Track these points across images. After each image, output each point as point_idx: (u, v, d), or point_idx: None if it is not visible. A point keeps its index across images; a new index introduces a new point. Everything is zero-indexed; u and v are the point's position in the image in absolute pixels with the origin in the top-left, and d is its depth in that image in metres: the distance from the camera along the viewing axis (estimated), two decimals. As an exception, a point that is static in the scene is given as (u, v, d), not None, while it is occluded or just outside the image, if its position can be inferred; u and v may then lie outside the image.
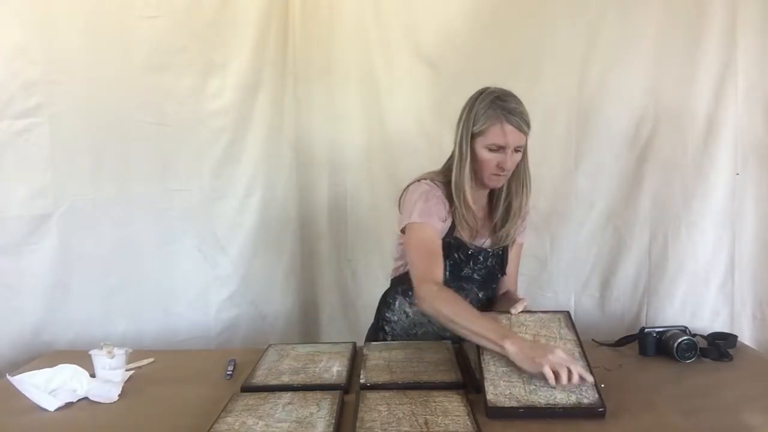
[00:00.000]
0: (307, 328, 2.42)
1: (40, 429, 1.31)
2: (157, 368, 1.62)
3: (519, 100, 1.54)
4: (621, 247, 2.21)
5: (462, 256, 1.64)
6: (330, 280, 2.41)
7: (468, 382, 1.42)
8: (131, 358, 1.62)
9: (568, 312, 1.57)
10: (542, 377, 1.28)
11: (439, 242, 1.57)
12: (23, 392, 1.38)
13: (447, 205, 1.59)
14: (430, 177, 1.63)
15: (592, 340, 1.78)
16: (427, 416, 1.22)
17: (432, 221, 1.56)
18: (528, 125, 1.53)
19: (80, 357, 1.56)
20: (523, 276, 2.27)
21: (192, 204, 2.18)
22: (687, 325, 1.67)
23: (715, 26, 2.04)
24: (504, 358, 1.35)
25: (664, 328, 1.66)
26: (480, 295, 1.71)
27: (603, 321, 2.24)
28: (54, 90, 1.99)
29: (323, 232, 2.39)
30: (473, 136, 1.55)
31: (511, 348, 1.32)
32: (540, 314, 1.55)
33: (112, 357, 1.50)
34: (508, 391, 1.30)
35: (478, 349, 1.41)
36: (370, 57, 2.26)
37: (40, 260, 2.02)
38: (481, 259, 1.67)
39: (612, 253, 2.23)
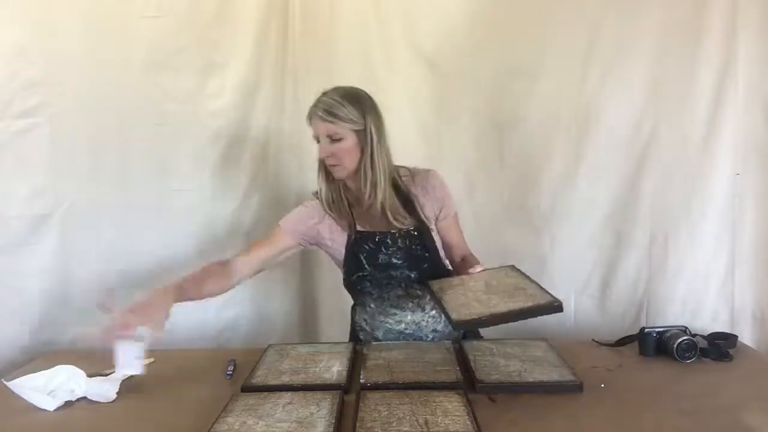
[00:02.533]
0: (307, 328, 2.42)
1: (40, 429, 1.31)
2: (157, 368, 1.61)
3: (331, 93, 1.62)
4: (621, 247, 2.21)
5: (371, 245, 1.69)
6: (330, 280, 2.40)
7: (468, 382, 1.42)
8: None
9: (513, 265, 1.64)
10: (498, 297, 1.41)
11: (276, 241, 1.72)
12: (21, 395, 1.37)
13: (319, 209, 1.72)
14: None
15: (592, 339, 1.78)
16: (427, 416, 1.22)
17: (285, 224, 1.74)
18: (330, 113, 1.59)
19: (80, 357, 1.56)
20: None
21: (192, 204, 2.18)
22: (687, 325, 1.67)
23: (715, 26, 2.04)
24: (462, 297, 1.46)
25: (664, 328, 1.66)
26: (412, 276, 1.71)
27: (603, 321, 2.24)
28: (54, 90, 1.99)
29: (323, 232, 2.38)
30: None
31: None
32: (488, 270, 1.62)
33: (141, 340, 1.44)
34: (469, 311, 1.37)
35: (439, 301, 1.47)
36: (370, 57, 2.26)
37: (40, 260, 2.02)
38: (390, 242, 1.68)
39: (612, 253, 2.22)
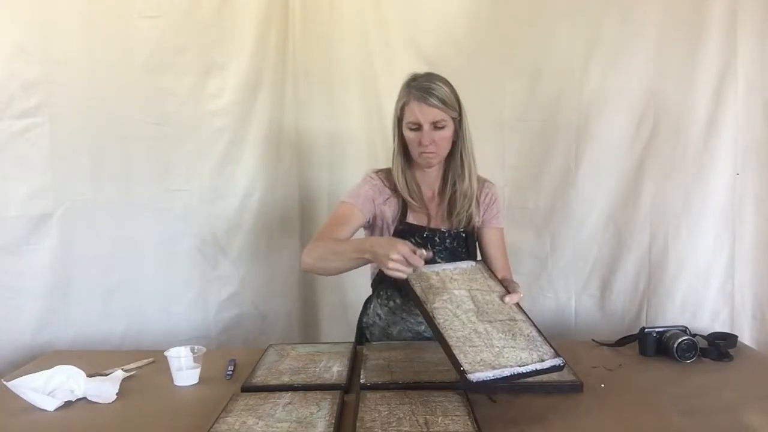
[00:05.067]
0: (307, 328, 2.42)
1: (40, 429, 1.31)
2: (157, 368, 1.62)
3: (433, 78, 1.59)
4: (621, 247, 2.21)
5: (418, 240, 1.65)
6: (330, 280, 2.40)
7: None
8: (132, 357, 1.63)
9: (482, 261, 1.62)
10: (499, 334, 1.32)
11: (353, 219, 1.63)
12: (21, 395, 1.37)
13: (387, 191, 1.67)
14: (382, 169, 1.73)
15: (592, 339, 1.78)
16: (427, 416, 1.22)
17: (356, 201, 1.64)
18: (442, 101, 1.56)
19: (80, 357, 1.56)
20: (523, 276, 2.28)
21: (192, 204, 2.19)
22: (687, 325, 1.67)
23: (715, 26, 2.04)
24: (456, 321, 1.34)
25: (664, 328, 1.66)
26: None
27: (603, 321, 2.24)
28: (54, 90, 1.99)
29: (323, 232, 2.38)
30: (399, 122, 1.63)
31: (371, 257, 1.41)
32: (460, 266, 1.53)
33: (194, 352, 1.52)
34: (478, 358, 1.26)
35: (432, 321, 1.34)
36: (370, 57, 2.26)
37: (40, 260, 2.02)
38: (438, 240, 1.68)
39: (612, 253, 2.22)
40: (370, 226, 1.72)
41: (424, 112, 1.56)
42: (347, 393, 1.40)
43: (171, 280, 2.20)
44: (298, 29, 2.28)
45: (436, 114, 1.57)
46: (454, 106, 1.60)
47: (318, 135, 2.35)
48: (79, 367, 1.47)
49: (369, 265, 1.77)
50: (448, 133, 1.61)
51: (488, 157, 2.23)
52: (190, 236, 2.20)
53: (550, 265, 2.26)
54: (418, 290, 1.40)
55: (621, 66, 2.12)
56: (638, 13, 2.09)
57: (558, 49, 2.15)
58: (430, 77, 1.60)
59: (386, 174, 1.71)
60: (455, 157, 1.66)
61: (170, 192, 2.16)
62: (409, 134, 1.61)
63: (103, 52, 2.03)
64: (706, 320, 2.10)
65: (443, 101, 1.57)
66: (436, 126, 1.58)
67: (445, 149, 1.63)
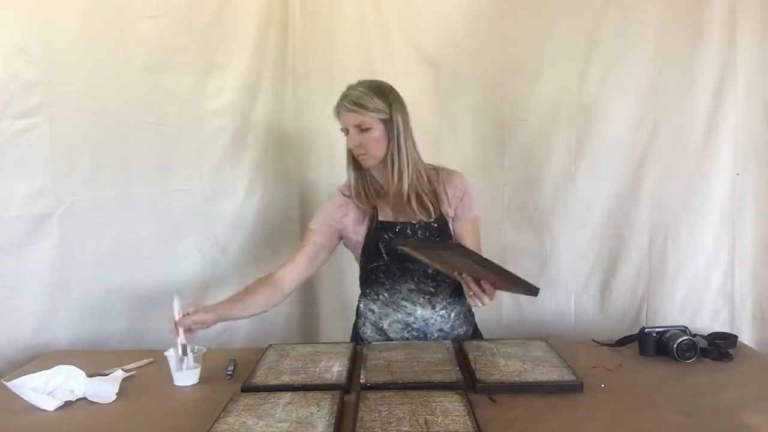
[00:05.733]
0: (307, 328, 2.42)
1: (40, 429, 1.31)
2: (157, 368, 1.62)
3: (360, 84, 1.69)
4: (621, 247, 2.21)
5: (391, 234, 1.72)
6: (330, 280, 2.40)
7: (468, 382, 1.42)
8: (132, 357, 1.63)
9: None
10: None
11: (307, 246, 1.78)
12: (21, 395, 1.38)
13: (344, 202, 1.77)
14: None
15: (592, 339, 1.78)
16: (427, 416, 1.22)
17: (315, 227, 1.79)
18: (358, 104, 1.65)
19: (80, 357, 1.56)
20: (523, 276, 2.28)
21: (192, 204, 2.18)
22: (687, 325, 1.67)
23: (715, 26, 2.04)
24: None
25: (664, 328, 1.66)
26: (429, 270, 1.72)
27: (603, 321, 2.24)
28: (54, 90, 1.99)
29: (323, 232, 2.38)
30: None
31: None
32: None
33: (194, 352, 1.53)
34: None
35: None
36: (370, 57, 2.26)
37: (40, 260, 2.02)
38: (410, 232, 1.72)
39: (612, 253, 2.22)
40: (342, 240, 1.82)
41: (343, 117, 1.69)
42: (347, 393, 1.40)
43: (171, 280, 2.19)
44: (298, 29, 2.27)
45: (354, 117, 1.66)
46: (374, 108, 1.66)
47: (318, 135, 2.34)
48: (79, 367, 1.47)
49: (357, 265, 1.83)
50: (375, 134, 1.67)
51: (488, 157, 2.25)
52: (190, 236, 2.20)
53: (550, 265, 2.26)
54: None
55: (621, 66, 2.13)
56: (638, 13, 2.10)
57: (558, 49, 2.15)
58: (357, 84, 1.70)
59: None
60: (391, 156, 1.70)
61: (170, 192, 2.16)
62: (346, 140, 1.71)
63: (103, 52, 2.03)
64: (706, 320, 2.10)
65: (359, 105, 1.65)
66: (360, 129, 1.67)
67: (376, 149, 1.69)
